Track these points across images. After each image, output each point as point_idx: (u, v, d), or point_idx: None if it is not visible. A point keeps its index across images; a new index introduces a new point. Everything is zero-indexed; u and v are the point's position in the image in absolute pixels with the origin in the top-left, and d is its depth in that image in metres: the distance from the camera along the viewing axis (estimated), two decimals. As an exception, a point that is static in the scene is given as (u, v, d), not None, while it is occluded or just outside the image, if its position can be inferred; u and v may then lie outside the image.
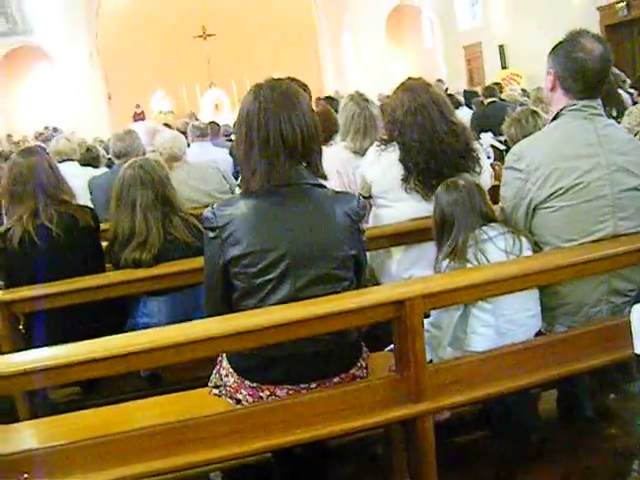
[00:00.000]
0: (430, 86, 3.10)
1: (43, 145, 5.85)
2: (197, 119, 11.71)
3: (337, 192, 2.18)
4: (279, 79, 2.18)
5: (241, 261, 2.00)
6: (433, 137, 2.96)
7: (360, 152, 3.59)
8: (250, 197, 2.05)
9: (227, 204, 2.06)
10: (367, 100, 3.81)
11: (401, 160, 3.01)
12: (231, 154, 6.13)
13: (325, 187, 2.12)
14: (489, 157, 5.84)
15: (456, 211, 2.47)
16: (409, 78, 3.18)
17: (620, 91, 7.09)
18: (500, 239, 2.44)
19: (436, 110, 3.00)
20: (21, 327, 3.13)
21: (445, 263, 2.43)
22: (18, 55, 19.84)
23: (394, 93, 3.15)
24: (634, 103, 6.90)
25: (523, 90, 11.50)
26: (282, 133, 1.99)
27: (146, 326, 2.95)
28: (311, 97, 3.46)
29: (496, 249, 2.42)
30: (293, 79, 3.62)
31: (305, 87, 3.45)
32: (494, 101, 8.82)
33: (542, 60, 2.65)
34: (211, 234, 2.03)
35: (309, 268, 2.02)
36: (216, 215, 2.02)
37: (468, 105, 10.55)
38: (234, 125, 3.21)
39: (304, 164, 2.08)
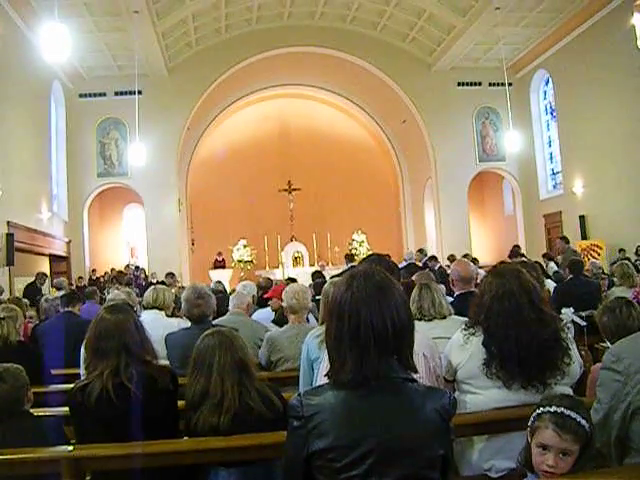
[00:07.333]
0: (521, 272, 3.07)
1: (131, 302, 5.97)
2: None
3: (428, 387, 2.12)
4: (373, 269, 2.14)
5: (326, 455, 1.91)
6: (519, 325, 2.90)
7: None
8: (339, 388, 1.99)
9: (314, 393, 2.01)
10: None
11: (484, 344, 2.94)
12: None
13: (416, 381, 2.05)
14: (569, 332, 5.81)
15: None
16: (501, 262, 3.18)
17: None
18: None
19: (525, 297, 2.96)
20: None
21: None
22: (111, 194, 21.11)
23: (485, 277, 3.15)
24: None
25: (603, 272, 11.27)
26: (372, 324, 1.96)
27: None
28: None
29: None
30: (379, 255, 3.66)
31: (395, 267, 3.46)
32: (577, 276, 8.65)
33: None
34: (296, 423, 1.97)
35: (396, 467, 1.91)
36: (303, 404, 1.96)
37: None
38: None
39: (395, 357, 2.02)
